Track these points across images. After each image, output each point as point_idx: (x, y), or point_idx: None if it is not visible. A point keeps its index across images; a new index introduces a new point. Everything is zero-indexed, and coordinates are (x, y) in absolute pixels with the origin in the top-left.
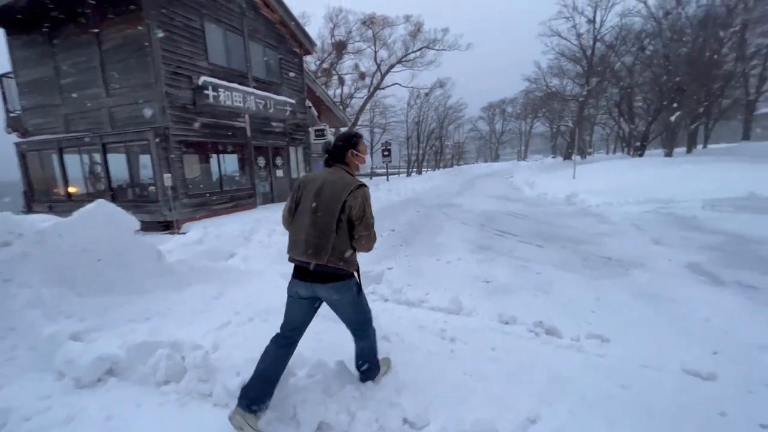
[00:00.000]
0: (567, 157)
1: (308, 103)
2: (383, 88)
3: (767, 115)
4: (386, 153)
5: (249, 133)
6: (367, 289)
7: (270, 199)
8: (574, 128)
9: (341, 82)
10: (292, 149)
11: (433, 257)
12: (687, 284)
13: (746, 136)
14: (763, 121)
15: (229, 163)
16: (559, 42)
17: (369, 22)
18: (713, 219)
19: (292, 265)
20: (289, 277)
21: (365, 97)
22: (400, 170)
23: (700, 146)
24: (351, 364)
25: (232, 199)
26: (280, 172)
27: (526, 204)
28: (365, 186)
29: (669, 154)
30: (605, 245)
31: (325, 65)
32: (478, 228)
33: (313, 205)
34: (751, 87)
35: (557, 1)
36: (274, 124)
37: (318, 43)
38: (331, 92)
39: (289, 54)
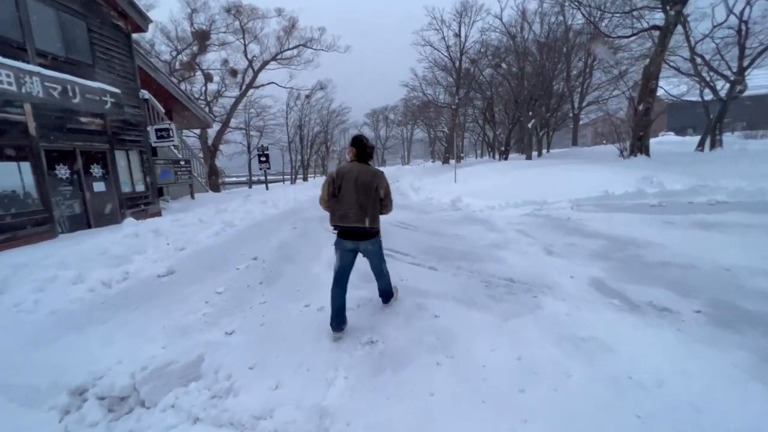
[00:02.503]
0: (445, 161)
1: (146, 95)
2: (257, 87)
3: (587, 125)
4: (263, 159)
5: (33, 131)
6: (165, 404)
7: (84, 223)
8: (451, 134)
9: (208, 78)
10: (120, 154)
11: (300, 303)
12: (605, 315)
13: (575, 142)
14: (583, 130)
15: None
16: (432, 52)
17: (234, 11)
18: (585, 220)
19: None
20: None
21: (237, 96)
22: (285, 177)
23: (545, 151)
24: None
25: (7, 228)
26: (100, 185)
27: (413, 211)
28: (383, 172)
29: (529, 157)
30: (502, 261)
31: (184, 57)
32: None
33: (356, 188)
34: (576, 102)
35: (427, 13)
36: (84, 119)
37: (171, 28)
38: (196, 89)
39: (107, 27)
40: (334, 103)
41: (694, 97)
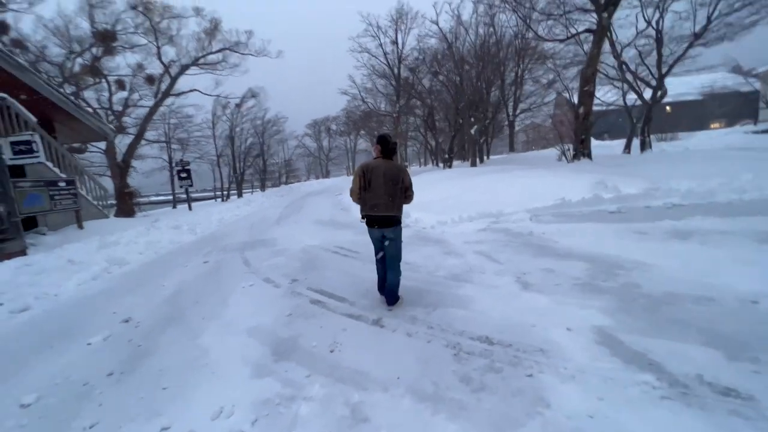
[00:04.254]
0: None
1: (4, 98)
2: (177, 95)
3: (518, 132)
4: (183, 175)
5: None
6: None
7: None
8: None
9: (121, 86)
10: None
11: (162, 418)
12: (647, 412)
13: (512, 149)
14: (522, 136)
15: None
16: (370, 58)
17: (142, 7)
18: (550, 234)
19: None
20: None
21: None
22: (217, 194)
23: (486, 158)
24: None
25: None
26: None
27: (355, 231)
28: (407, 167)
29: (474, 164)
30: (470, 304)
31: (83, 60)
32: (287, 289)
33: (384, 181)
34: (511, 110)
35: (362, 19)
36: None
37: (66, 25)
38: (105, 98)
39: None
40: (270, 112)
41: (620, 103)
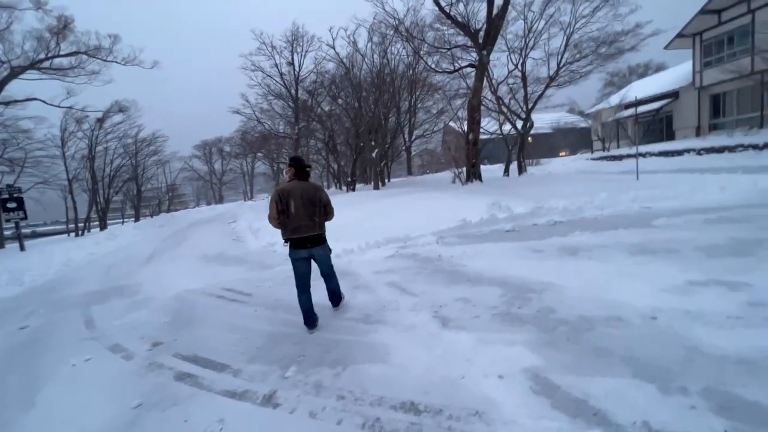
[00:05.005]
0: None
1: None
2: (5, 104)
3: (418, 155)
4: (12, 205)
5: None
6: None
7: None
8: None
9: None
10: None
11: None
12: None
13: (410, 172)
14: (417, 160)
15: None
16: (264, 77)
17: None
18: (458, 257)
19: None
20: None
21: None
22: (71, 227)
23: (387, 180)
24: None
25: None
26: None
27: (248, 266)
28: (321, 185)
29: (376, 187)
30: (386, 356)
31: None
32: (143, 360)
33: (303, 203)
34: (407, 136)
35: (254, 37)
36: None
37: None
38: None
39: None
40: (147, 130)
41: (498, 132)
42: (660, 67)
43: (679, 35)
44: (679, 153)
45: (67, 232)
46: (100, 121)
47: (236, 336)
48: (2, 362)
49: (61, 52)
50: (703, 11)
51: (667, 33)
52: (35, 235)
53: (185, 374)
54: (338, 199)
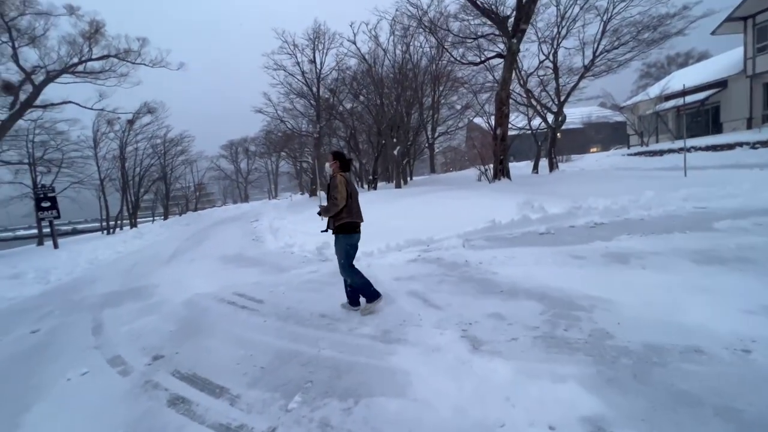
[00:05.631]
0: (312, 193)
1: None
2: (43, 107)
3: (441, 153)
4: (46, 204)
5: None
6: None
7: None
8: (315, 164)
9: None
10: None
11: None
12: None
13: (432, 170)
14: (441, 158)
15: None
16: (287, 76)
17: None
18: (488, 263)
19: None
20: None
21: (6, 118)
22: (104, 225)
23: (409, 179)
24: None
25: None
26: None
27: (264, 268)
28: None
29: (398, 186)
30: (406, 387)
31: None
32: (138, 377)
33: (357, 192)
34: (430, 133)
35: (277, 36)
36: None
37: None
38: None
39: None
40: (175, 131)
41: (527, 127)
42: (703, 56)
43: (729, 19)
44: (729, 147)
45: (102, 229)
46: (131, 122)
47: (241, 352)
48: (9, 367)
49: (93, 56)
50: None
51: (719, 14)
52: (75, 232)
53: (179, 399)
54: (361, 197)
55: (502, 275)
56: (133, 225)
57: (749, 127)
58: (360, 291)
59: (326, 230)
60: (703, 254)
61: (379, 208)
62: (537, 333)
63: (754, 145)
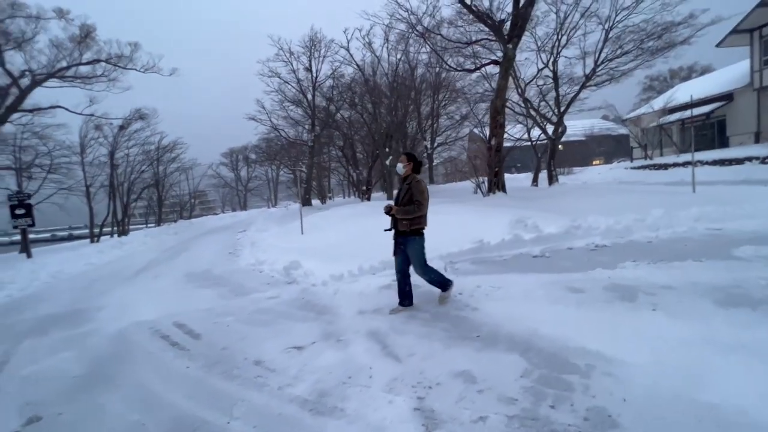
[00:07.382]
0: (305, 203)
1: None
2: (30, 111)
3: (441, 164)
4: (20, 212)
5: None
6: None
7: None
8: (309, 173)
9: None
10: None
11: None
12: None
13: (431, 180)
14: (440, 168)
15: None
16: (281, 84)
17: None
18: (468, 293)
19: None
20: None
21: None
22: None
23: None
24: None
25: None
26: None
27: (222, 291)
28: None
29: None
30: None
31: None
32: None
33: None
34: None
35: (272, 43)
36: None
37: None
38: None
39: None
40: (169, 137)
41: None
42: (706, 70)
43: (734, 31)
44: (738, 161)
45: (91, 237)
46: (122, 128)
47: (135, 417)
48: None
49: (83, 60)
50: (763, 3)
51: (724, 24)
52: (72, 238)
53: None
54: (349, 209)
55: (483, 313)
56: (122, 233)
57: (757, 141)
58: (438, 284)
59: (389, 229)
60: (725, 292)
61: (363, 221)
62: (513, 410)
63: (764, 160)
